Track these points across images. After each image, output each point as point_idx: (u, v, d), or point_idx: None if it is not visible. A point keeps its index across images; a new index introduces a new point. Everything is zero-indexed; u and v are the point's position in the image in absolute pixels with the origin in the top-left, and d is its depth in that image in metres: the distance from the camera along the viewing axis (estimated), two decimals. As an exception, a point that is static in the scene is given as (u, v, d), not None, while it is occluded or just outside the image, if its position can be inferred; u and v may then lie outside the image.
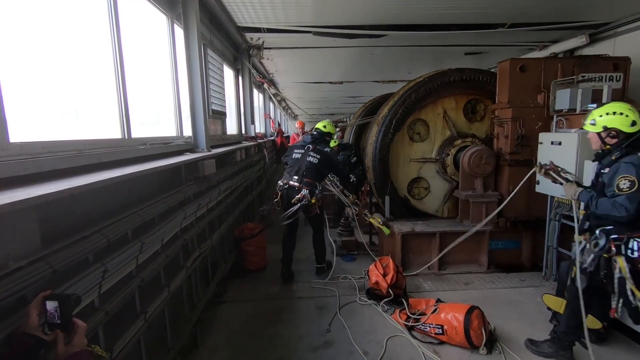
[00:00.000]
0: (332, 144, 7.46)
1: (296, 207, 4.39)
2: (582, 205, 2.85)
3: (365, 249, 5.63)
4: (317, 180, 4.58)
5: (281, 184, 4.63)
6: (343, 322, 3.70)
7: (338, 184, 5.71)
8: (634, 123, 2.62)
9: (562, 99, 4.36)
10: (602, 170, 2.76)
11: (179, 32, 3.73)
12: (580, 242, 2.82)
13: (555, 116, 4.49)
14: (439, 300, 3.66)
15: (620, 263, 2.54)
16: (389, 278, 3.96)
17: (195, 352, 3.26)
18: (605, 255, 2.62)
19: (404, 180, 5.68)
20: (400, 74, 9.88)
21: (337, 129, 13.22)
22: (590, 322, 3.22)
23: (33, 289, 1.43)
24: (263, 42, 6.32)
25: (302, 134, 10.10)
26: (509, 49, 7.10)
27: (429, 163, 5.68)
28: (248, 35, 6.01)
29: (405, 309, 3.70)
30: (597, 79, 4.55)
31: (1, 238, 1.42)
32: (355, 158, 6.90)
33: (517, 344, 3.29)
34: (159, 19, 3.49)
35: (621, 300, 2.60)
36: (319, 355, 3.22)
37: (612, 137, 2.71)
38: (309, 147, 4.73)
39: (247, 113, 7.32)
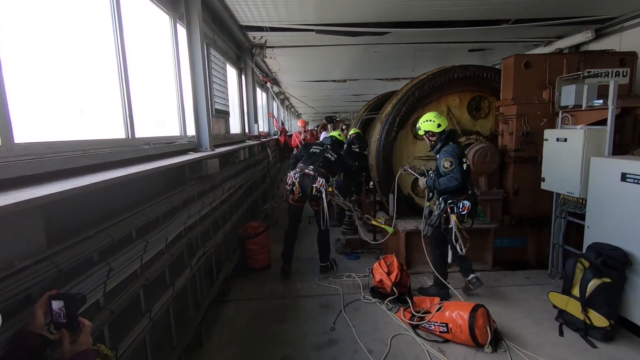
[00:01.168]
0: (352, 131, 7.58)
1: (321, 193, 4.61)
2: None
3: (369, 247, 5.63)
4: (329, 174, 4.90)
5: (294, 172, 4.83)
6: (347, 320, 3.70)
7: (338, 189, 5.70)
8: (439, 125, 3.90)
9: (567, 95, 4.32)
10: (437, 156, 3.97)
11: (182, 31, 3.73)
12: (428, 206, 4.17)
13: (560, 112, 4.45)
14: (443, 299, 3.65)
15: (454, 218, 3.80)
16: (393, 276, 3.96)
17: (200, 351, 3.27)
18: (444, 215, 3.87)
19: (408, 178, 5.65)
20: (404, 72, 9.84)
21: (344, 126, 13.26)
22: (597, 320, 3.22)
23: (39, 288, 1.44)
24: (266, 40, 6.32)
25: (305, 131, 10.12)
26: (513, 45, 7.04)
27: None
28: (251, 34, 6.01)
29: (409, 307, 3.70)
30: (603, 74, 4.49)
31: (7, 238, 1.43)
32: (358, 150, 6.92)
33: (523, 342, 3.27)
34: (161, 18, 3.50)
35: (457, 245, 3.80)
36: (324, 354, 3.22)
37: (432, 136, 4.00)
38: (328, 147, 5.10)
39: (250, 112, 7.32)
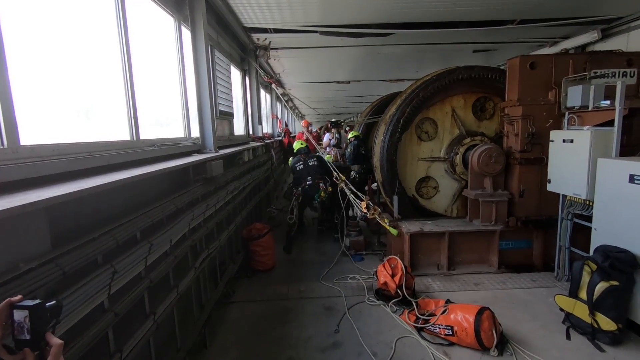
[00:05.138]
0: (351, 135, 7.74)
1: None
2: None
3: (373, 249, 5.60)
4: (324, 176, 5.95)
5: (301, 187, 5.91)
6: (352, 322, 3.68)
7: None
8: (297, 146, 6.20)
9: (574, 95, 4.26)
10: None
11: (186, 33, 3.74)
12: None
13: (567, 113, 4.40)
14: (448, 301, 3.62)
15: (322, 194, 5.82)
16: (397, 278, 3.93)
17: (204, 352, 3.27)
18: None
19: (412, 179, 5.63)
20: (408, 73, 9.82)
21: (347, 127, 13.20)
22: (605, 323, 3.18)
23: (43, 291, 1.44)
24: (270, 42, 6.33)
25: (309, 132, 10.11)
26: (518, 45, 7.00)
27: (438, 162, 5.63)
28: (255, 36, 6.02)
29: (414, 309, 3.67)
30: (610, 75, 4.44)
31: (12, 240, 1.43)
32: (364, 152, 7.15)
33: (529, 345, 3.23)
34: (166, 21, 3.51)
35: None
36: (328, 356, 3.20)
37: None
38: (304, 157, 6.12)
39: (254, 113, 7.34)
